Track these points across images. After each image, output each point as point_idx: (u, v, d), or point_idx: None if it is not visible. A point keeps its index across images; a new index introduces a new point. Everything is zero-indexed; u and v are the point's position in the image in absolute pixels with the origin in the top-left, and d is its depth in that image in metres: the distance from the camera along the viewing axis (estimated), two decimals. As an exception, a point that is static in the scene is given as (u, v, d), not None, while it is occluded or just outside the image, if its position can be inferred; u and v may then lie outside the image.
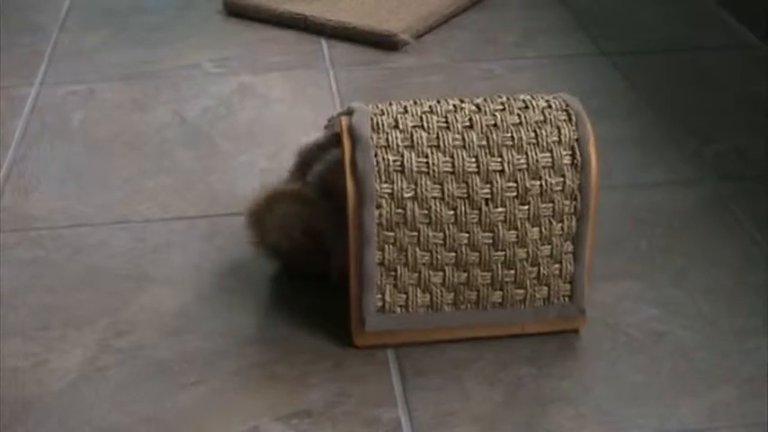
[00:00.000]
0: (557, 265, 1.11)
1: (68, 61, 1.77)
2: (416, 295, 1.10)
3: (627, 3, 1.98)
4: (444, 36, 1.85)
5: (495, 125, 1.07)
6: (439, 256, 1.08)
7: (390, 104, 1.10)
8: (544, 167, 1.07)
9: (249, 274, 1.24)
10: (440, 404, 1.05)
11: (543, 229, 1.09)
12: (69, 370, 1.09)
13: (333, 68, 1.73)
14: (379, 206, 1.06)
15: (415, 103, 1.10)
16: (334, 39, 1.83)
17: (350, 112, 1.10)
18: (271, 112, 1.60)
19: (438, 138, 1.07)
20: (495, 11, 1.95)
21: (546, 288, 1.11)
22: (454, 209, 1.07)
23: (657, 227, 1.32)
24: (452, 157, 1.06)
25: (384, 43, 1.79)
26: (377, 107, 1.10)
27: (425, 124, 1.07)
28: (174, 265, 1.26)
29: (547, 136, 1.08)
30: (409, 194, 1.06)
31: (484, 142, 1.07)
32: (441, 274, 1.09)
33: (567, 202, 1.08)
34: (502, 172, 1.07)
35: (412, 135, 1.07)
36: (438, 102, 1.10)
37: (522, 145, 1.07)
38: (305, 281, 1.21)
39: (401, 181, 1.06)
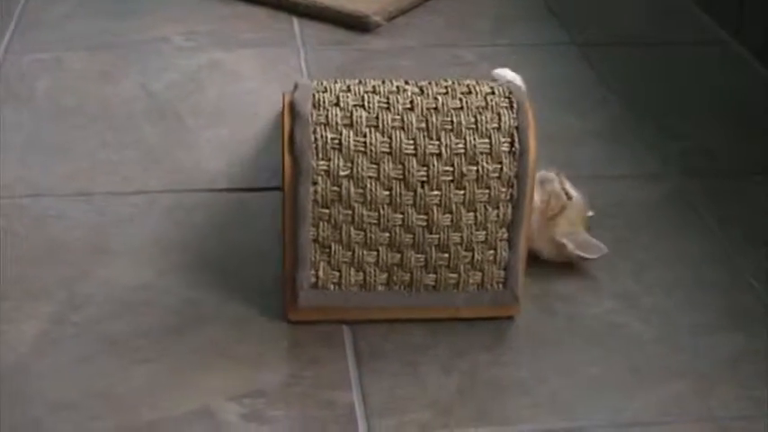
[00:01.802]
0: (491, 252, 1.11)
1: (35, 29, 1.75)
2: (350, 273, 1.10)
3: (601, -6, 1.98)
4: (417, 20, 1.84)
5: (435, 108, 1.07)
6: (373, 236, 1.08)
7: (335, 82, 1.10)
8: (482, 153, 1.07)
9: (209, 251, 1.23)
10: (395, 389, 1.04)
11: (478, 215, 1.09)
12: (23, 342, 1.08)
13: (303, 47, 1.72)
14: (315, 183, 1.06)
15: (360, 82, 1.10)
16: (307, 18, 1.82)
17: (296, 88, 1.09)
18: (239, 89, 1.59)
19: (377, 118, 1.06)
20: (469, -4, 1.94)
21: (480, 273, 1.11)
22: (389, 189, 1.07)
23: (619, 219, 1.32)
24: (390, 137, 1.06)
25: (356, 24, 1.78)
26: (321, 84, 1.09)
27: (366, 104, 1.07)
28: (134, 239, 1.25)
29: (487, 122, 1.07)
30: (345, 173, 1.06)
31: (423, 125, 1.06)
32: (374, 253, 1.09)
33: (504, 189, 1.08)
34: (439, 155, 1.06)
35: (352, 114, 1.06)
36: (383, 82, 1.10)
37: (461, 129, 1.07)
38: (264, 261, 1.20)
39: (338, 159, 1.06)
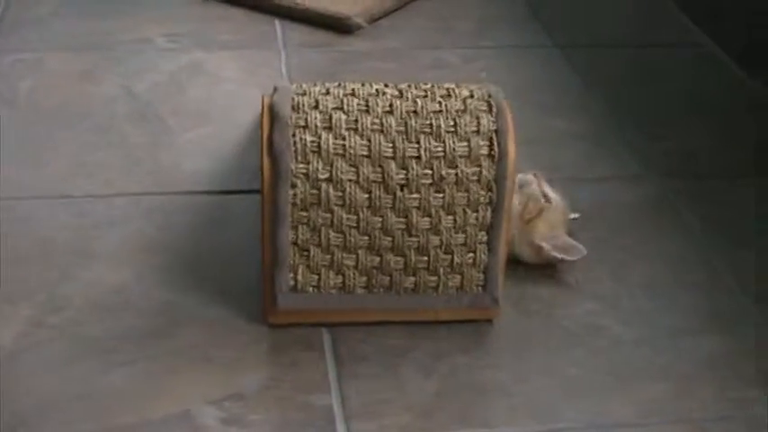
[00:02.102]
0: (470, 254, 1.11)
1: (18, 29, 1.75)
2: (329, 276, 1.10)
3: (583, -4, 1.98)
4: (399, 22, 1.84)
5: (414, 111, 1.07)
6: (352, 239, 1.08)
7: (314, 85, 1.10)
8: (461, 156, 1.07)
9: (189, 253, 1.23)
10: (373, 392, 1.04)
11: (458, 218, 1.09)
12: (1, 345, 1.08)
13: (285, 49, 1.72)
14: (293, 186, 1.06)
15: (339, 84, 1.10)
16: (289, 19, 1.82)
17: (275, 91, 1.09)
18: (220, 91, 1.59)
19: (356, 121, 1.06)
20: (453, -2, 1.94)
21: (459, 276, 1.11)
22: (369, 192, 1.07)
23: (600, 221, 1.32)
24: (369, 140, 1.06)
25: (338, 26, 1.78)
26: (300, 87, 1.09)
27: (345, 106, 1.07)
28: (114, 241, 1.25)
29: (466, 125, 1.07)
30: (324, 176, 1.06)
31: (402, 128, 1.07)
32: (353, 256, 1.09)
33: (483, 193, 1.08)
34: (418, 158, 1.06)
35: (331, 116, 1.06)
36: (362, 85, 1.10)
37: (440, 133, 1.07)
38: (245, 263, 1.20)
39: (317, 162, 1.06)
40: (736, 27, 1.76)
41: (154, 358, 1.07)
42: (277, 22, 1.81)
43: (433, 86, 1.10)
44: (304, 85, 1.10)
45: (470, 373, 1.08)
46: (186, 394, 1.03)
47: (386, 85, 1.10)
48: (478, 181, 1.08)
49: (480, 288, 1.12)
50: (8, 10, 1.82)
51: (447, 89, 1.10)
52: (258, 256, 1.13)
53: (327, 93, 1.09)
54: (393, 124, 1.06)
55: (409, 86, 1.10)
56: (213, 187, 1.36)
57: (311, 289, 1.10)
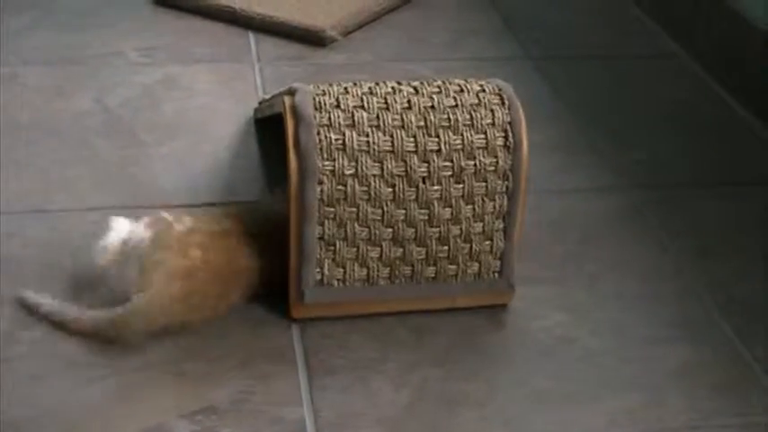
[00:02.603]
0: (488, 242, 1.14)
1: (-9, 44, 1.75)
2: (354, 269, 1.13)
3: (556, 8, 1.99)
4: (373, 34, 1.85)
5: (432, 107, 1.11)
6: (377, 232, 1.11)
7: (331, 85, 1.13)
8: (478, 148, 1.11)
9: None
10: (345, 405, 1.05)
11: (476, 207, 1.12)
12: (-27, 361, 1.08)
13: (259, 62, 1.72)
14: (320, 182, 1.09)
15: (355, 84, 1.13)
16: (262, 32, 1.82)
17: (292, 92, 1.12)
18: (194, 105, 1.59)
19: (378, 118, 1.10)
20: (426, 10, 1.95)
21: (477, 264, 1.15)
22: (393, 186, 1.10)
23: (571, 233, 1.33)
24: (392, 136, 1.09)
25: (312, 39, 1.79)
26: (318, 87, 1.13)
27: (366, 105, 1.10)
28: (87, 256, 1.24)
29: (481, 118, 1.12)
30: (350, 172, 1.09)
31: (422, 123, 1.10)
32: (378, 249, 1.12)
33: (500, 182, 1.12)
34: (438, 152, 1.10)
35: (353, 115, 1.10)
36: (377, 84, 1.13)
37: (458, 126, 1.11)
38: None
39: (342, 158, 1.09)
40: (709, 38, 1.77)
41: (126, 373, 1.07)
42: (251, 35, 1.82)
43: (444, 82, 1.14)
44: (322, 86, 1.13)
45: (441, 384, 1.08)
46: (159, 408, 1.03)
47: (399, 83, 1.14)
48: (495, 171, 1.12)
49: (497, 274, 1.16)
50: (-19, 24, 1.81)
51: (458, 84, 1.14)
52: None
53: (346, 92, 1.12)
54: (413, 120, 1.10)
55: (422, 83, 1.14)
56: (188, 201, 1.36)
57: (336, 282, 1.13)
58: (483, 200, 1.13)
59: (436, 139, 1.10)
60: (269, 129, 1.46)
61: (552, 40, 1.86)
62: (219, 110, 1.57)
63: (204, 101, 1.60)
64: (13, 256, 1.24)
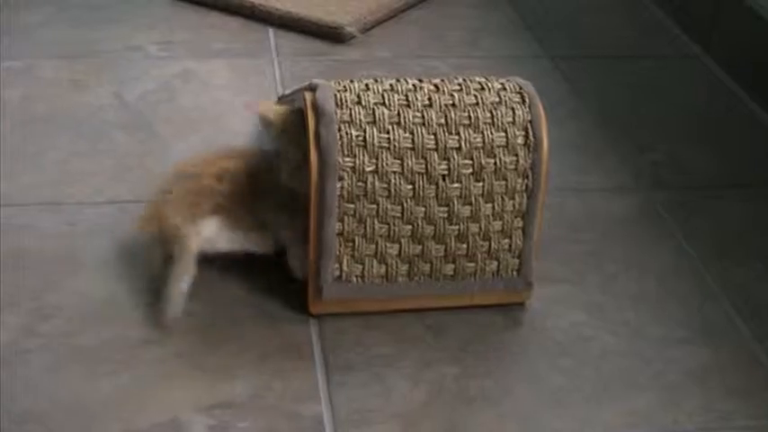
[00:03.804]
0: (507, 240, 1.14)
1: (8, 37, 1.75)
2: (372, 266, 1.13)
3: (575, 7, 1.99)
4: (392, 31, 1.85)
5: (453, 105, 1.11)
6: (396, 229, 1.11)
7: (352, 82, 1.13)
8: (499, 146, 1.11)
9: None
10: (362, 401, 1.05)
11: (496, 206, 1.12)
12: (-10, 352, 1.08)
13: (277, 58, 1.72)
14: (341, 179, 1.09)
15: (376, 81, 1.13)
16: (281, 28, 1.82)
17: (313, 88, 1.12)
18: (212, 99, 1.59)
19: (399, 115, 1.10)
20: (445, 8, 1.95)
21: (496, 262, 1.15)
22: (413, 183, 1.10)
23: (589, 232, 1.33)
24: (412, 133, 1.09)
25: (330, 35, 1.79)
26: (339, 84, 1.12)
27: (387, 101, 1.10)
28: (103, 250, 1.24)
29: (502, 116, 1.11)
30: (370, 168, 1.09)
31: (442, 120, 1.10)
32: (397, 245, 1.12)
33: (520, 180, 1.12)
34: (459, 149, 1.10)
35: (374, 111, 1.10)
36: (398, 80, 1.13)
37: (478, 124, 1.11)
38: (232, 272, 1.20)
39: (363, 155, 1.09)
40: (728, 39, 1.76)
41: (143, 366, 1.07)
42: (270, 31, 1.82)
43: (465, 80, 1.14)
44: (342, 82, 1.13)
45: (458, 381, 1.08)
46: (175, 402, 1.03)
47: (420, 80, 1.13)
48: (515, 169, 1.11)
49: (515, 272, 1.16)
50: None
51: (479, 82, 1.14)
52: (244, 265, 1.15)
53: (367, 89, 1.12)
54: (434, 117, 1.10)
55: (443, 81, 1.14)
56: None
57: (355, 279, 1.13)
58: (503, 198, 1.12)
59: (457, 137, 1.10)
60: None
61: (571, 40, 1.86)
62: (237, 105, 1.57)
63: (222, 95, 1.60)
64: (30, 249, 1.24)
